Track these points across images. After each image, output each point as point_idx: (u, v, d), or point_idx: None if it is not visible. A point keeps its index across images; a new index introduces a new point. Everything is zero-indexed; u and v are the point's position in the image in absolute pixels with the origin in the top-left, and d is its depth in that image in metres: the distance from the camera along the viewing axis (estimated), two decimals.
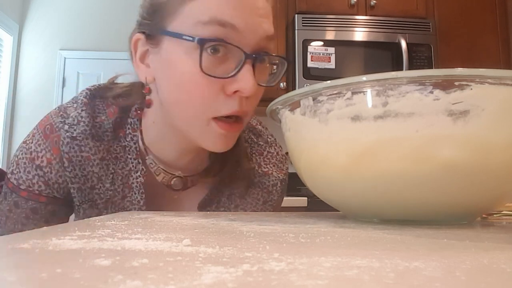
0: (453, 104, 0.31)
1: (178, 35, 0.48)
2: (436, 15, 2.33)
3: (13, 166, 0.59)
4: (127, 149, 0.58)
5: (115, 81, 0.64)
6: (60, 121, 0.57)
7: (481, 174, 0.32)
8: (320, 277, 0.14)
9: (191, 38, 0.47)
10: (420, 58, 2.19)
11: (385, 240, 0.25)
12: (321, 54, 2.17)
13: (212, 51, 0.47)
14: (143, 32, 0.52)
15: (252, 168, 0.63)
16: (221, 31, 0.46)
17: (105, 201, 0.58)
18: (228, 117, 0.49)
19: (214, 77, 0.47)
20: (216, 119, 0.49)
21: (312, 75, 2.14)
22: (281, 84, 2.19)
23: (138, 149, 0.58)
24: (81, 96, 0.59)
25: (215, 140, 0.50)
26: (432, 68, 2.17)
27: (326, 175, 0.38)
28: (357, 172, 0.35)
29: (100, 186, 0.58)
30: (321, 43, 2.19)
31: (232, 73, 0.47)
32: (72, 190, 0.57)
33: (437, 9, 2.34)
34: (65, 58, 3.19)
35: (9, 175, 0.59)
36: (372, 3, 2.27)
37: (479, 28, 2.35)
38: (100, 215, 0.56)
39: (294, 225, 0.34)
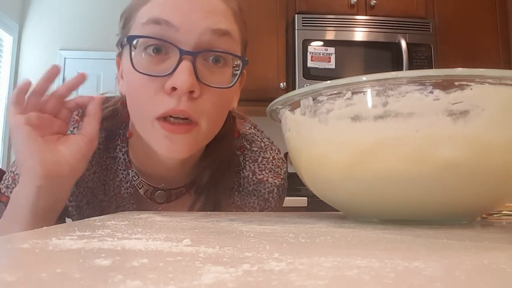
0: (453, 104, 0.31)
1: (121, 40, 0.49)
2: (436, 15, 2.33)
3: (9, 181, 0.57)
4: (117, 160, 0.58)
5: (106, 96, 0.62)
6: None
7: (481, 174, 0.32)
8: (320, 277, 0.14)
9: (125, 39, 0.47)
10: (420, 58, 2.19)
11: (385, 240, 0.25)
12: (321, 54, 2.17)
13: (153, 50, 0.47)
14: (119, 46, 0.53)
15: (246, 177, 0.61)
16: (157, 29, 0.46)
17: (99, 212, 0.58)
18: (176, 119, 0.47)
19: (148, 75, 0.46)
20: (160, 119, 0.47)
21: (312, 75, 2.14)
22: (281, 84, 2.19)
23: (126, 160, 0.58)
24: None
25: (161, 142, 0.48)
26: (432, 68, 2.17)
27: (326, 175, 0.38)
28: (357, 172, 0.35)
29: (94, 200, 0.58)
30: (321, 43, 2.19)
31: (169, 71, 0.46)
32: (70, 209, 0.57)
33: (437, 9, 2.34)
34: (65, 58, 3.19)
35: (3, 190, 0.57)
36: (372, 3, 2.27)
37: (479, 28, 2.35)
38: None
39: (294, 225, 0.34)
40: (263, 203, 0.62)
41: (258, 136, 0.65)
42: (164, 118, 0.47)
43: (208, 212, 0.55)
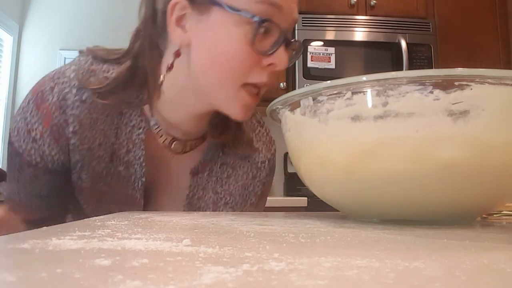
0: (453, 104, 0.31)
1: (234, 9, 0.51)
2: (436, 15, 2.33)
3: (14, 132, 0.59)
4: (132, 105, 0.60)
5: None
6: (62, 87, 0.56)
7: (481, 174, 0.32)
8: (320, 277, 0.14)
9: (249, 15, 0.50)
10: (420, 58, 2.19)
11: (385, 240, 0.25)
12: (321, 54, 2.17)
13: (262, 29, 0.51)
14: None
15: (244, 142, 0.67)
16: (270, 11, 0.51)
17: (110, 155, 0.59)
18: (253, 88, 0.54)
19: (260, 54, 0.52)
20: (246, 89, 0.53)
21: (312, 75, 2.14)
22: (281, 84, 2.19)
23: (144, 107, 0.60)
24: (83, 60, 0.59)
25: (241, 107, 0.54)
26: (432, 68, 2.17)
27: (326, 175, 0.38)
28: (357, 172, 0.35)
29: (106, 142, 0.59)
30: (321, 43, 2.19)
31: (273, 50, 0.52)
32: (82, 152, 0.58)
33: (437, 9, 2.34)
34: (65, 58, 3.19)
35: (12, 138, 0.59)
36: (372, 3, 2.27)
37: (479, 28, 2.35)
38: (107, 172, 0.59)
39: (294, 225, 0.34)
40: (256, 171, 0.68)
41: (256, 114, 0.72)
42: (247, 87, 0.53)
43: (208, 212, 0.55)
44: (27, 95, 0.59)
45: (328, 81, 0.34)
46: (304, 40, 2.18)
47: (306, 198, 1.86)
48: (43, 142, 0.57)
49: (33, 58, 3.19)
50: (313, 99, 0.37)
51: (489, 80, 0.31)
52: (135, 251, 0.19)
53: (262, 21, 0.51)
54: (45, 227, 0.28)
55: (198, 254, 0.18)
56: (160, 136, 0.61)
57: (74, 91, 0.56)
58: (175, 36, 0.55)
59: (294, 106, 0.40)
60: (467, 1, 2.37)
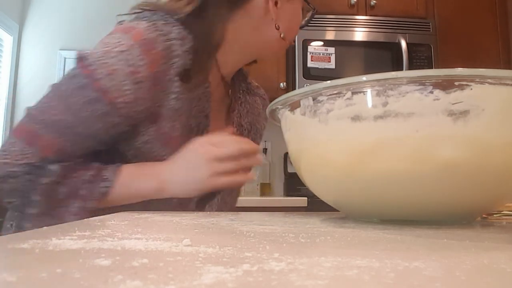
0: (453, 104, 0.31)
1: None
2: (436, 15, 2.33)
3: (106, 71, 0.56)
4: (205, 62, 0.66)
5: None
6: (164, 38, 0.59)
7: (481, 174, 0.32)
8: (320, 277, 0.14)
9: None
10: (420, 58, 2.19)
11: (385, 240, 0.25)
12: (321, 54, 2.17)
13: None
14: None
15: (250, 83, 0.81)
16: None
17: (181, 105, 0.62)
18: None
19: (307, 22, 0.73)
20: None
21: (312, 75, 2.14)
22: (281, 84, 2.19)
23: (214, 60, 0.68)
24: (154, 16, 0.62)
25: (278, 47, 0.70)
26: (432, 68, 2.17)
27: (326, 175, 0.38)
28: (357, 172, 0.35)
29: (182, 90, 0.61)
30: (321, 43, 2.19)
31: (306, 19, 0.74)
32: (182, 101, 0.61)
33: (437, 9, 2.34)
34: (65, 58, 3.19)
35: (98, 76, 0.56)
36: (372, 3, 2.27)
37: (479, 28, 2.35)
38: (175, 123, 0.61)
39: (294, 225, 0.34)
40: (264, 101, 0.82)
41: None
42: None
43: (208, 212, 0.55)
44: (120, 40, 0.58)
45: (328, 81, 0.34)
46: (304, 40, 2.18)
47: (306, 198, 1.86)
48: (144, 85, 0.57)
49: (33, 58, 3.19)
50: (313, 99, 0.37)
51: (489, 80, 0.31)
52: (135, 251, 0.19)
53: None
54: (45, 227, 0.28)
55: (198, 254, 0.18)
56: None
57: (177, 42, 0.60)
58: (273, 13, 0.67)
59: (294, 106, 0.40)
60: (467, 1, 2.37)
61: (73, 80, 0.57)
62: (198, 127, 0.65)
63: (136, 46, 0.57)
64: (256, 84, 0.85)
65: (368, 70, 2.16)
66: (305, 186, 0.44)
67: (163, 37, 0.59)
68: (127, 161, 0.61)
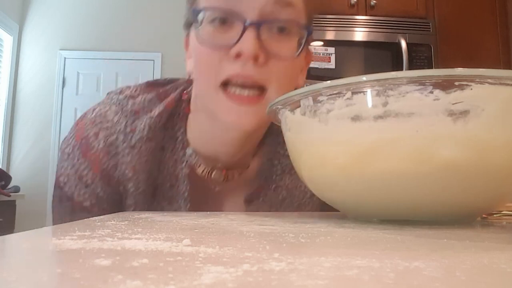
0: (453, 104, 0.31)
1: (186, 21, 0.51)
2: (436, 15, 2.33)
3: (64, 178, 0.57)
4: (174, 139, 0.58)
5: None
6: (108, 133, 0.55)
7: (481, 174, 0.32)
8: (320, 277, 0.14)
9: (196, 12, 0.49)
10: (420, 58, 2.19)
11: (385, 240, 0.25)
12: (321, 54, 2.17)
13: (219, 21, 0.48)
14: (185, 28, 0.56)
15: None
16: (224, 1, 0.48)
17: (153, 190, 0.58)
18: (244, 89, 0.48)
19: (213, 45, 0.48)
20: (226, 90, 0.49)
21: (312, 75, 2.14)
22: None
23: (184, 139, 0.58)
24: (124, 100, 0.57)
25: (228, 112, 0.49)
26: (432, 68, 2.17)
27: (326, 175, 0.38)
28: (357, 172, 0.35)
29: (149, 176, 0.58)
30: (321, 43, 2.19)
31: (235, 40, 0.47)
32: (137, 197, 0.57)
33: (437, 9, 2.34)
34: (65, 58, 3.19)
35: (61, 184, 0.57)
36: (372, 3, 2.27)
37: (479, 28, 2.35)
38: (149, 208, 0.57)
39: (294, 225, 0.34)
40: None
41: None
42: (229, 87, 0.48)
43: (208, 212, 0.55)
44: (70, 139, 0.57)
45: (328, 81, 0.34)
46: None
47: None
48: (95, 186, 0.56)
49: (33, 58, 3.19)
50: (313, 99, 0.37)
51: (489, 80, 0.31)
52: (135, 251, 0.19)
53: (202, 12, 0.48)
54: (45, 227, 0.28)
55: (198, 254, 0.18)
56: (198, 166, 0.58)
57: (121, 137, 0.55)
58: (187, 66, 0.56)
59: (294, 106, 0.40)
60: (467, 1, 2.37)
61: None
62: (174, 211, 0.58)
63: (77, 147, 0.56)
64: None
65: (368, 70, 2.16)
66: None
67: (107, 131, 0.55)
68: None
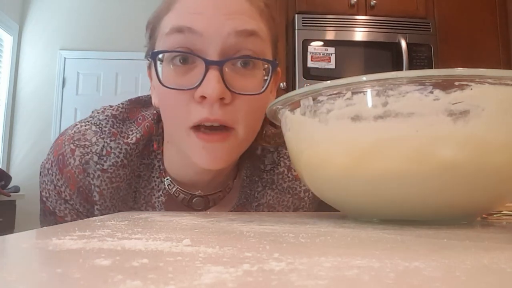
0: (453, 104, 0.31)
1: (147, 53, 0.48)
2: (436, 15, 2.33)
3: (45, 193, 0.57)
4: (150, 167, 0.57)
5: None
6: (84, 152, 0.54)
7: (481, 174, 0.32)
8: (320, 277, 0.14)
9: (149, 55, 0.47)
10: (420, 58, 2.19)
11: (385, 240, 0.25)
12: (321, 54, 2.17)
13: (180, 61, 0.46)
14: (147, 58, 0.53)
15: (281, 173, 0.60)
16: (181, 38, 0.45)
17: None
18: (212, 128, 0.47)
19: (176, 89, 0.46)
20: (195, 129, 0.47)
21: (312, 75, 2.14)
22: (281, 84, 2.19)
23: (161, 167, 0.57)
24: (104, 120, 0.56)
25: (199, 152, 0.47)
26: (432, 68, 2.17)
27: (326, 175, 0.38)
28: (357, 172, 0.35)
29: (124, 206, 0.56)
30: (321, 43, 2.19)
31: (198, 82, 0.45)
32: (96, 214, 0.56)
33: (437, 9, 2.34)
34: (65, 58, 3.19)
35: (43, 198, 0.57)
36: (372, 3, 2.27)
37: (479, 28, 2.35)
38: None
39: (294, 225, 0.34)
40: (298, 202, 0.61)
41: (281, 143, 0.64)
42: (199, 128, 0.47)
43: (208, 212, 0.55)
44: (49, 154, 0.57)
45: (328, 81, 0.34)
46: (304, 40, 2.18)
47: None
48: (74, 202, 0.56)
49: (33, 58, 3.19)
50: (313, 99, 0.37)
51: (489, 80, 0.31)
52: (135, 251, 0.19)
53: (160, 54, 0.46)
54: (45, 227, 0.28)
55: (198, 254, 0.18)
56: (177, 196, 0.57)
57: (95, 158, 0.54)
58: (152, 98, 0.55)
59: (294, 106, 0.40)
60: (467, 1, 2.37)
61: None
62: None
63: (55, 163, 0.55)
64: (295, 172, 0.58)
65: (368, 70, 2.16)
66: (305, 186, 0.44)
67: (83, 149, 0.54)
68: None
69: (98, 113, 0.58)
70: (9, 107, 3.05)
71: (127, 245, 0.21)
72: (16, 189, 2.70)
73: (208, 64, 0.45)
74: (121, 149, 0.54)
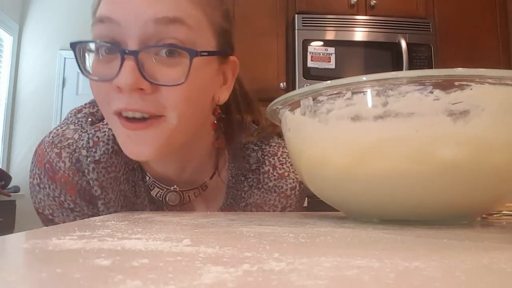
0: (453, 104, 0.31)
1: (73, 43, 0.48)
2: (436, 15, 2.33)
3: (49, 210, 0.54)
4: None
5: None
6: (70, 150, 0.53)
7: (481, 174, 0.32)
8: (320, 277, 0.14)
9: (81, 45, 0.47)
10: (420, 58, 2.19)
11: (385, 240, 0.25)
12: (321, 54, 2.17)
13: (105, 51, 0.45)
14: None
15: (266, 172, 0.59)
16: (103, 29, 0.45)
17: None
18: (133, 119, 0.45)
19: (94, 80, 0.46)
20: (119, 116, 0.46)
21: (312, 75, 2.14)
22: (281, 84, 2.19)
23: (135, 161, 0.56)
24: (82, 118, 0.55)
25: (125, 141, 0.46)
26: (432, 68, 2.17)
27: (326, 175, 0.38)
28: (357, 172, 0.35)
29: (127, 203, 0.55)
30: (321, 43, 2.19)
31: (116, 73, 0.43)
32: (101, 210, 0.55)
33: (437, 9, 2.34)
34: (65, 58, 3.18)
35: (50, 217, 0.55)
36: (372, 3, 2.27)
37: (479, 28, 2.35)
38: None
39: (294, 225, 0.34)
40: (285, 200, 0.60)
41: (269, 136, 0.63)
42: (122, 115, 0.45)
43: (208, 212, 0.55)
44: (33, 169, 0.54)
45: (328, 81, 0.34)
46: (304, 40, 2.18)
47: (306, 198, 1.86)
48: (80, 208, 0.54)
49: (33, 58, 3.19)
50: (313, 99, 0.37)
51: (489, 80, 0.31)
52: (135, 251, 0.19)
53: (75, 44, 0.45)
54: (45, 227, 0.28)
55: (198, 254, 0.18)
56: (152, 189, 0.56)
57: (84, 152, 0.52)
58: None
59: (294, 106, 0.40)
60: (467, 1, 2.37)
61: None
62: None
63: (43, 174, 0.53)
64: (280, 170, 0.58)
65: (368, 70, 2.16)
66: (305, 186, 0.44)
67: (69, 149, 0.53)
68: None
69: (72, 114, 0.57)
70: (9, 107, 3.05)
71: (127, 245, 0.21)
72: (16, 189, 2.70)
73: (123, 54, 0.43)
74: (108, 136, 0.53)
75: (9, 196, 2.51)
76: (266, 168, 0.59)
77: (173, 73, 0.45)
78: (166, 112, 0.45)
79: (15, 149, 3.08)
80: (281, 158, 0.60)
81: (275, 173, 0.59)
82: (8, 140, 3.06)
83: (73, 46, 0.46)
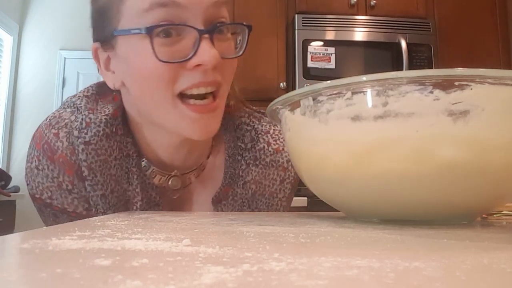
0: (453, 104, 0.31)
1: (126, 31, 0.48)
2: (436, 15, 2.33)
3: (48, 193, 0.54)
4: (124, 149, 0.56)
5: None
6: (66, 131, 0.53)
7: (481, 174, 0.32)
8: (320, 277, 0.14)
9: (138, 30, 0.47)
10: (420, 58, 2.19)
11: (385, 240, 0.25)
12: (321, 54, 2.17)
13: (164, 35, 0.47)
14: (98, 41, 0.53)
15: (262, 149, 0.61)
16: (165, 13, 0.46)
17: (125, 202, 0.56)
18: (200, 98, 0.48)
19: (173, 62, 0.47)
20: (185, 102, 0.48)
21: (312, 75, 2.14)
22: (281, 84, 2.19)
23: (135, 149, 0.57)
24: (77, 101, 0.56)
25: (193, 125, 0.49)
26: (432, 68, 2.17)
27: (326, 175, 0.38)
28: (357, 172, 0.35)
29: (118, 189, 0.55)
30: (321, 43, 2.19)
31: (191, 54, 0.46)
32: (95, 198, 0.54)
33: (437, 9, 2.34)
34: (65, 58, 3.19)
35: (48, 201, 0.55)
36: (372, 3, 2.27)
37: (479, 28, 2.35)
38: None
39: (294, 225, 0.34)
40: (283, 173, 0.61)
41: (264, 117, 0.66)
42: (188, 101, 0.48)
43: (208, 212, 0.55)
44: (31, 153, 0.55)
45: (328, 81, 0.34)
46: (304, 40, 2.18)
47: (306, 198, 1.86)
48: (78, 189, 0.54)
49: (33, 58, 3.19)
50: (313, 99, 0.37)
51: (489, 80, 0.31)
52: (135, 251, 0.19)
53: (155, 29, 0.46)
54: (45, 227, 0.28)
55: (198, 254, 0.18)
56: (154, 177, 0.57)
57: (76, 133, 0.52)
58: (108, 80, 0.54)
59: (294, 106, 0.40)
60: (467, 1, 2.37)
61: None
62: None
63: (42, 155, 0.53)
64: (275, 145, 0.61)
65: (368, 70, 2.16)
66: (305, 186, 0.44)
67: (65, 129, 0.53)
68: None
69: (69, 99, 0.58)
70: (9, 107, 3.05)
71: (127, 245, 0.21)
72: (16, 189, 2.70)
73: (202, 33, 0.47)
74: (101, 119, 0.54)
75: (9, 196, 2.51)
76: (261, 145, 0.61)
77: (229, 47, 0.51)
78: (220, 86, 0.50)
79: (15, 149, 3.08)
80: (273, 135, 0.62)
81: (270, 149, 0.61)
82: (8, 140, 3.06)
83: (149, 30, 0.46)
